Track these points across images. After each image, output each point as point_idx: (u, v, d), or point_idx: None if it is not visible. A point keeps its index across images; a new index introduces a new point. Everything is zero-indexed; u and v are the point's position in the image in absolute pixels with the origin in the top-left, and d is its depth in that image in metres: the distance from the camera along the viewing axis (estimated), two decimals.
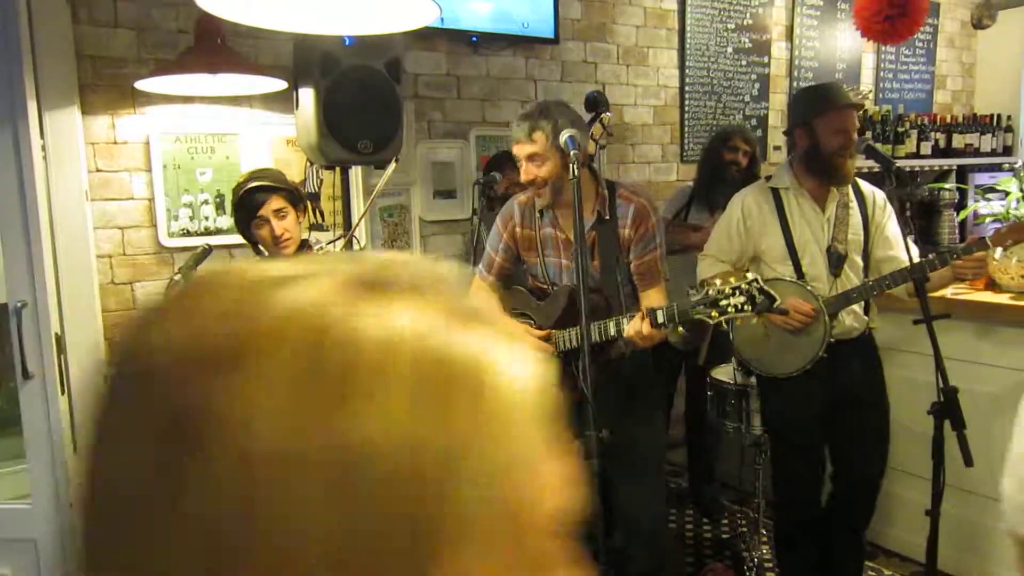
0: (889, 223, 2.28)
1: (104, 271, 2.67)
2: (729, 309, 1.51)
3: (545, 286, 2.07)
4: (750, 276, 1.55)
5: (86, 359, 2.60)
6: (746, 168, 3.06)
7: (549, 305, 2.01)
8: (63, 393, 2.29)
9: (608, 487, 1.99)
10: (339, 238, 2.31)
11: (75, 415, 2.55)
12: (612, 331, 1.85)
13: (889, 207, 2.31)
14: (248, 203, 2.09)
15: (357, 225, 2.27)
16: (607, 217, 1.98)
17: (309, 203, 3.08)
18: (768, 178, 2.36)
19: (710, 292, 1.53)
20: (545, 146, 1.91)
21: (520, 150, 1.94)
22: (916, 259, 2.05)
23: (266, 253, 2.17)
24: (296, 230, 2.14)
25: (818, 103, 2.23)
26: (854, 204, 2.26)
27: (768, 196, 2.28)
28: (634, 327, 1.81)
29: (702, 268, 2.34)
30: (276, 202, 2.08)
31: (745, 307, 1.49)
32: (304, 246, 2.19)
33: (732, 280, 1.50)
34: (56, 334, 2.29)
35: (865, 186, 2.32)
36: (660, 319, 1.72)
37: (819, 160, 2.19)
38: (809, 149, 2.21)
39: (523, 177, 1.96)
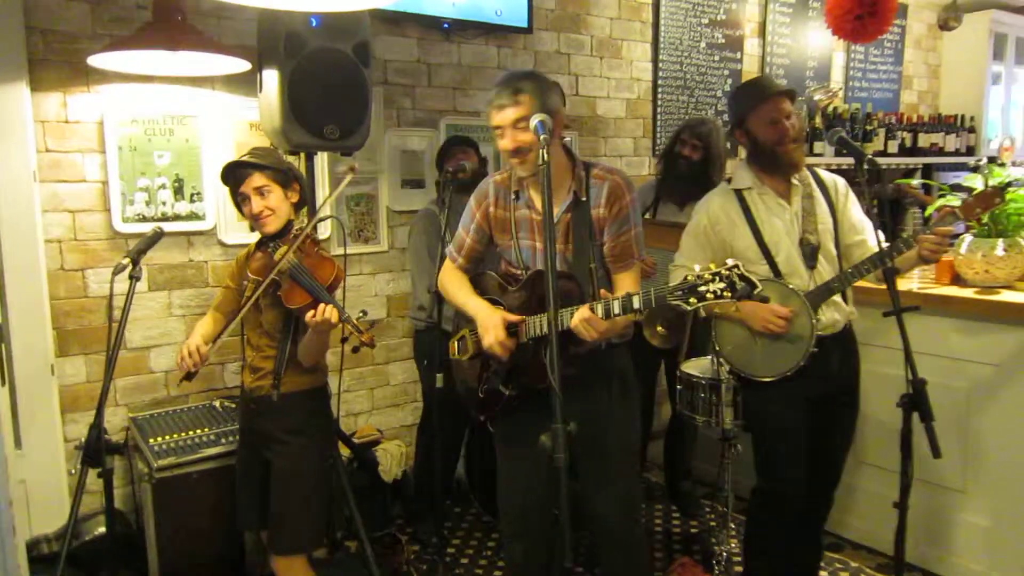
0: (852, 207, 2.26)
1: (53, 256, 2.55)
2: (708, 296, 1.42)
3: (518, 271, 1.97)
4: (730, 262, 1.45)
5: (32, 348, 2.48)
6: (699, 161, 2.99)
7: (519, 292, 1.93)
8: (4, 384, 2.17)
9: (579, 484, 1.94)
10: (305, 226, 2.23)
11: (18, 407, 2.43)
12: None
13: (851, 193, 2.30)
14: (230, 178, 2.10)
15: (319, 216, 2.18)
16: (583, 199, 1.89)
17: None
18: (729, 180, 2.32)
19: (688, 277, 1.46)
20: (532, 108, 1.78)
21: (504, 117, 1.80)
22: (884, 243, 2.05)
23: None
24: (282, 208, 2.10)
25: (745, 100, 2.20)
26: (818, 193, 2.23)
27: (732, 198, 2.24)
28: (580, 316, 1.65)
29: (675, 278, 2.28)
30: (258, 179, 2.06)
31: (724, 293, 1.41)
32: (288, 227, 2.12)
33: (712, 266, 1.43)
34: None
35: (825, 175, 2.31)
36: (636, 304, 1.61)
37: (764, 156, 2.17)
38: (752, 149, 2.20)
39: (509, 145, 1.81)
